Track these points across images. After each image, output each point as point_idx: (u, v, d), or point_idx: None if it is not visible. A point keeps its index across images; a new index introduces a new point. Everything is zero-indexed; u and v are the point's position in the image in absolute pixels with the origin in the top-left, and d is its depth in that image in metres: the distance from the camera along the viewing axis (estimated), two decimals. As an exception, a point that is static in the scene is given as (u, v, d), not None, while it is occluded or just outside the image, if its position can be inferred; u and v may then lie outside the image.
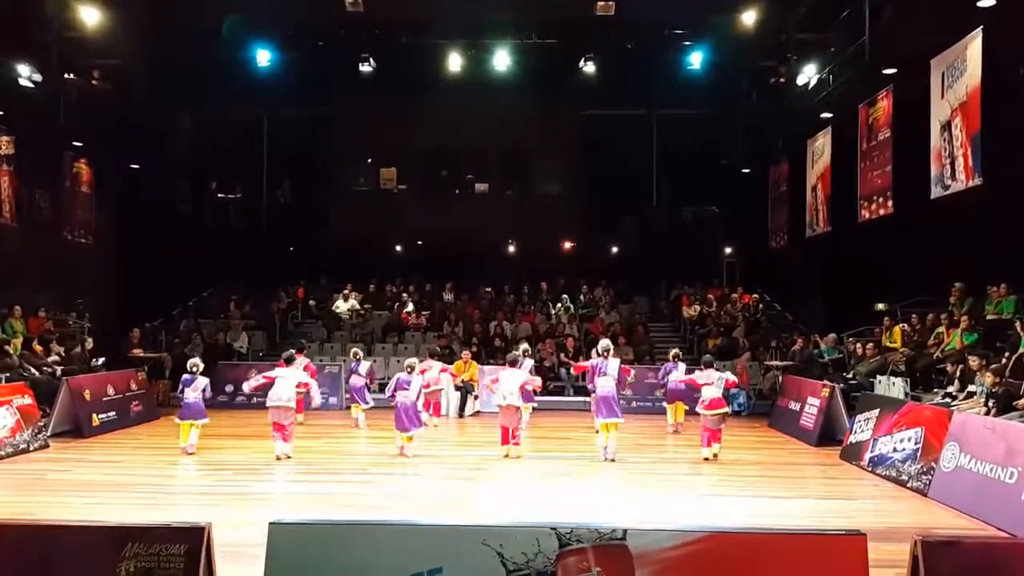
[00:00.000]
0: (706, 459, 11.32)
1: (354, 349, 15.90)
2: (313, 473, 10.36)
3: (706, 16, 18.65)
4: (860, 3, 14.89)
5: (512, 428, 11.52)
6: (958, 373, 11.46)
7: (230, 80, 20.69)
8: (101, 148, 20.08)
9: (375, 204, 23.62)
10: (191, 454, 11.34)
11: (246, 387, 12.16)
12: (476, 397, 16.68)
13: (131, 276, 19.17)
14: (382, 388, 15.01)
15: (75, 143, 19.58)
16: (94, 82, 19.46)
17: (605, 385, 11.31)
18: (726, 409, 11.66)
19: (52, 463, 10.90)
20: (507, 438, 11.50)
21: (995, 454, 8.55)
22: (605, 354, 11.67)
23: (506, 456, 11.41)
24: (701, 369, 12.03)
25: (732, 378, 11.94)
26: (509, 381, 11.58)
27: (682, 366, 14.23)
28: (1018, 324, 11.46)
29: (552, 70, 20.86)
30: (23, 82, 17.02)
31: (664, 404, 14.94)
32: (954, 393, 11.34)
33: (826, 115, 18.08)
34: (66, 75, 18.39)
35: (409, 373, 11.72)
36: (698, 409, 11.72)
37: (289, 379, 11.44)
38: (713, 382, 11.53)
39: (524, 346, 16.15)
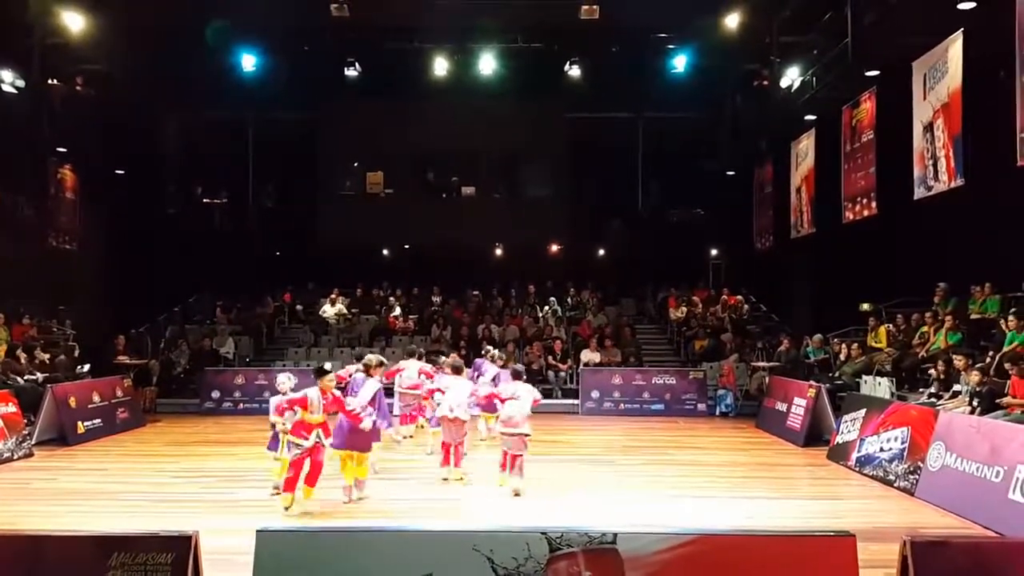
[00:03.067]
0: (516, 494, 9.15)
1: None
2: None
3: (690, 19, 18.71)
4: (843, 6, 14.97)
5: (456, 444, 9.90)
6: (943, 373, 11.55)
7: (216, 85, 20.65)
8: (86, 154, 19.92)
9: (362, 208, 23.50)
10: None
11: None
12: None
13: (116, 282, 19.04)
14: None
15: (59, 149, 19.41)
16: (78, 88, 19.26)
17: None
18: (526, 431, 9.37)
19: (36, 472, 10.79)
20: (448, 458, 9.90)
21: (981, 453, 8.62)
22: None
23: (445, 480, 9.87)
24: (507, 381, 10.08)
25: (539, 396, 9.85)
26: (457, 391, 10.10)
27: (494, 369, 12.64)
28: (1003, 323, 11.58)
29: (538, 74, 20.92)
30: (6, 88, 16.87)
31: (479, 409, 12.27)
32: (939, 393, 11.43)
33: (810, 117, 18.17)
34: (49, 81, 18.25)
35: (366, 374, 9.68)
36: (498, 428, 9.91)
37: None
38: (518, 398, 9.48)
39: (490, 349, 14.21)
